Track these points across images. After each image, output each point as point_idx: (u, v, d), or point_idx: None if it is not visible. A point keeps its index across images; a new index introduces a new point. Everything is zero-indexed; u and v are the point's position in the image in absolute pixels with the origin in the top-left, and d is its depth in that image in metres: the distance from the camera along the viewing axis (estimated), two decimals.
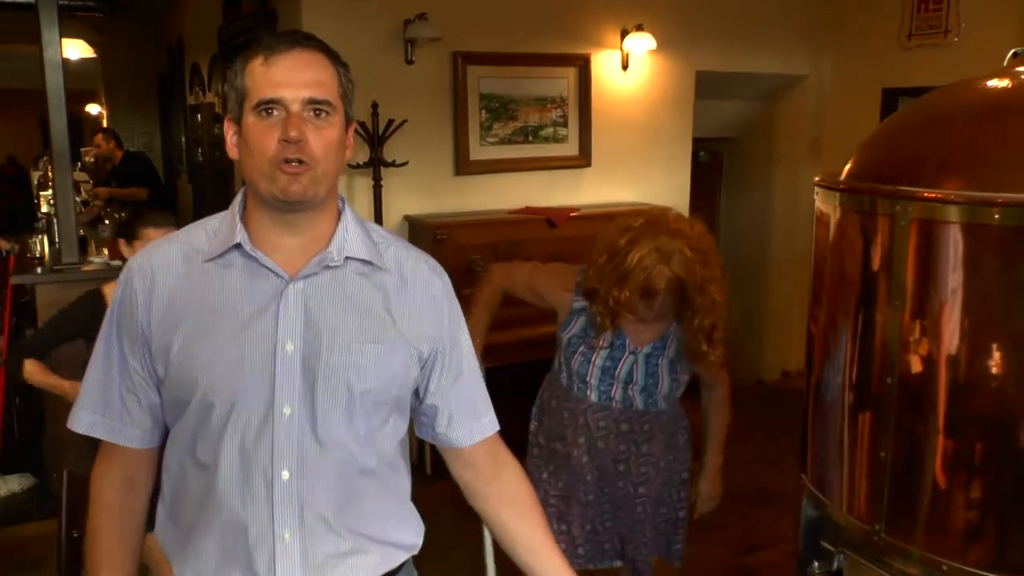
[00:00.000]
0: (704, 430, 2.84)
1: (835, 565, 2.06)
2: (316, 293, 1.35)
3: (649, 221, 2.42)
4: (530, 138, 5.19)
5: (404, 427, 1.47)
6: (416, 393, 1.47)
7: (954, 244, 1.76)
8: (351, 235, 1.41)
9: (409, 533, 1.49)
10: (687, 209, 5.85)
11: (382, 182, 4.60)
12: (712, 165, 7.07)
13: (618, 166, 5.51)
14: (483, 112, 5.02)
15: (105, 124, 10.71)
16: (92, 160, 8.98)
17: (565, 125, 5.29)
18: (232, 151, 1.39)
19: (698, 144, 6.24)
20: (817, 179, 2.15)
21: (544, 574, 1.53)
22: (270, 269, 1.35)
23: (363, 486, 1.37)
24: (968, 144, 1.90)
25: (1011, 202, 1.68)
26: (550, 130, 5.25)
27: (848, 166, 2.07)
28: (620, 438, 2.63)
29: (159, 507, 1.49)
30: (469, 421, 1.49)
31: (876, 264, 1.91)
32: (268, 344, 1.31)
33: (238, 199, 1.44)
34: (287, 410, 1.31)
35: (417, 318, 1.41)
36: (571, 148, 5.32)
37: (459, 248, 4.62)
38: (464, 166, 4.93)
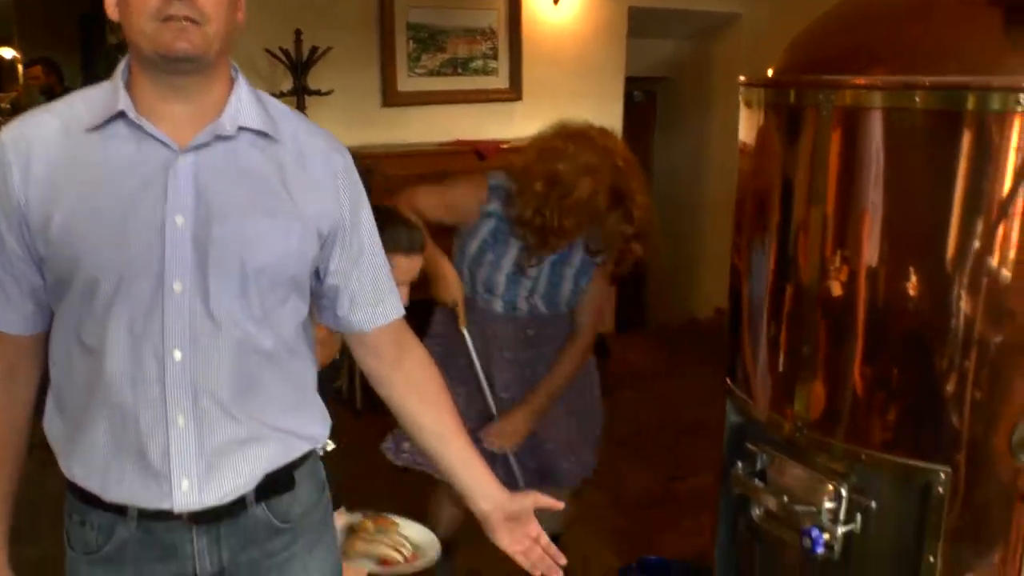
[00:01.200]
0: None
1: (758, 465, 2.06)
2: (208, 165, 1.26)
3: (578, 143, 2.47)
4: (459, 70, 5.09)
5: (304, 310, 1.40)
6: (317, 274, 1.39)
7: (877, 131, 1.74)
8: (245, 104, 1.33)
9: (312, 424, 1.43)
10: None
11: (306, 111, 4.46)
12: (646, 105, 7.03)
13: (549, 100, 5.43)
14: (411, 43, 4.89)
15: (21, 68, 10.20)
16: (9, 106, 8.54)
17: (495, 58, 5.20)
18: (111, 10, 1.29)
19: (632, 83, 6.20)
20: (743, 78, 2.12)
21: (453, 462, 1.49)
22: (157, 139, 1.26)
23: (260, 369, 1.31)
24: (892, 38, 1.88)
25: (936, 85, 1.66)
26: (480, 62, 5.15)
27: (772, 69, 2.04)
28: (526, 343, 2.60)
29: (47, 400, 1.40)
30: (372, 304, 1.43)
31: (800, 158, 1.89)
32: (156, 217, 1.23)
33: (121, 66, 1.33)
34: (178, 286, 1.23)
35: (315, 194, 1.34)
36: (501, 81, 5.23)
37: (387, 179, 4.52)
38: (392, 97, 4.82)
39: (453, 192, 2.62)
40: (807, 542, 1.83)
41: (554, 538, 2.48)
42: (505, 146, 4.91)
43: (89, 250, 1.22)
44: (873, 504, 1.83)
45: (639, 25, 5.77)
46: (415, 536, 2.16)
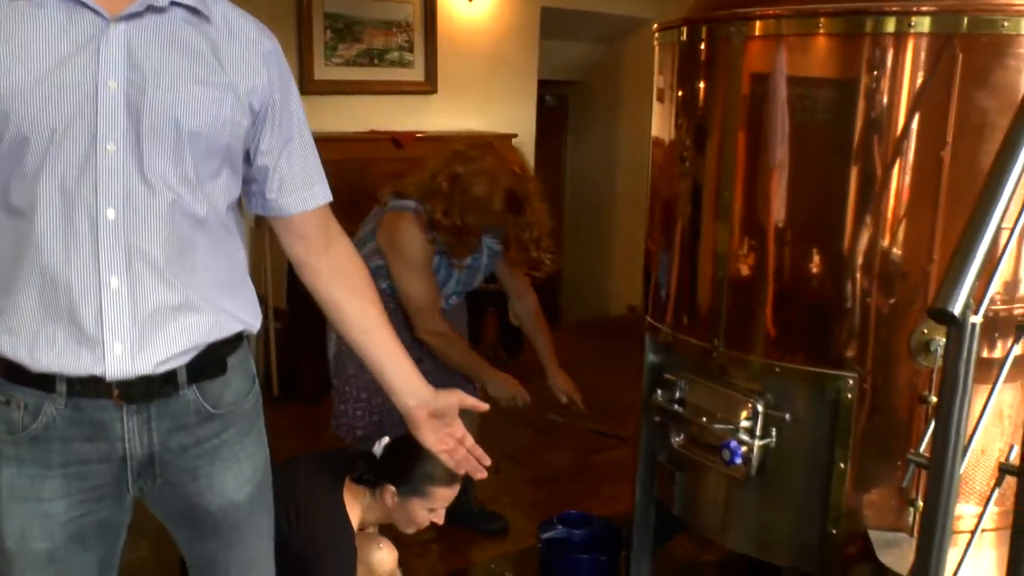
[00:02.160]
0: (531, 340, 3.01)
1: (677, 394, 2.13)
2: (140, 35, 1.27)
3: (479, 149, 2.65)
4: (376, 61, 5.11)
5: (237, 190, 1.41)
6: (247, 158, 1.40)
7: (785, 58, 1.84)
8: None
9: (246, 308, 1.43)
10: (533, 141, 5.93)
11: None
12: (558, 109, 7.17)
13: (464, 95, 5.50)
14: (328, 32, 4.90)
15: None
16: None
17: (411, 50, 5.24)
18: None
19: (545, 87, 6.32)
20: (656, 25, 2.21)
21: (379, 356, 1.50)
22: (89, 6, 1.25)
23: (194, 235, 1.30)
24: None
25: (836, 12, 1.77)
26: (396, 54, 5.18)
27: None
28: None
29: None
30: (301, 188, 1.44)
31: (716, 91, 1.98)
32: (88, 80, 1.23)
33: None
34: (111, 147, 1.23)
35: (245, 69, 1.35)
36: (417, 74, 5.27)
37: None
38: (308, 85, 4.80)
39: (408, 256, 2.64)
40: (726, 454, 1.90)
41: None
42: (421, 135, 4.95)
43: (20, 107, 1.20)
44: (787, 417, 1.92)
45: (552, 26, 5.90)
46: None
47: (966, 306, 1.15)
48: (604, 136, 6.92)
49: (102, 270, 1.24)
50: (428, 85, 5.32)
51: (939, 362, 1.76)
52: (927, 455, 1.26)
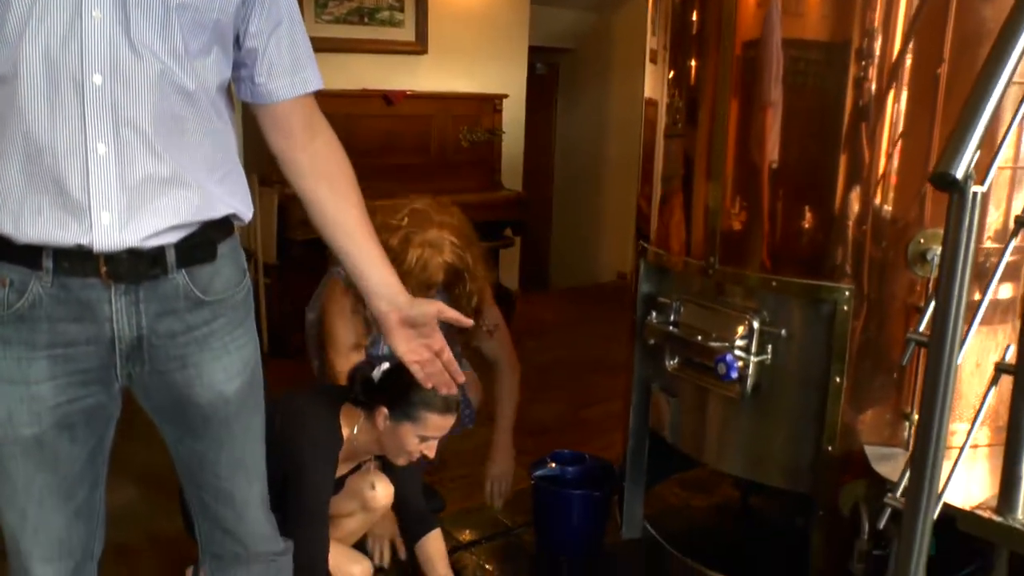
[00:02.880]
0: (495, 404, 2.81)
1: (671, 316, 2.12)
2: None
3: (413, 218, 2.46)
4: (366, 19, 5.07)
5: (227, 72, 1.38)
6: (237, 41, 1.37)
7: None
8: None
9: (236, 195, 1.40)
10: (523, 104, 5.90)
11: None
12: (548, 77, 7.14)
13: (455, 56, 5.47)
14: None
15: None
16: None
17: (401, 10, 5.20)
18: None
19: (536, 54, 6.29)
20: None
21: (358, 258, 1.48)
22: None
23: (183, 111, 1.28)
24: None
25: None
26: (386, 13, 5.15)
27: None
28: None
29: None
30: (290, 73, 1.41)
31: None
32: None
33: None
34: (97, 13, 1.20)
35: None
36: (407, 34, 5.24)
37: None
38: None
39: (334, 317, 2.57)
40: (721, 368, 1.89)
41: None
42: (411, 94, 4.91)
43: None
44: (783, 332, 1.91)
45: None
46: None
47: (968, 173, 1.13)
48: (594, 104, 6.90)
49: (88, 136, 1.21)
50: (418, 45, 5.29)
51: (935, 272, 1.75)
52: (927, 333, 1.24)
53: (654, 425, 2.31)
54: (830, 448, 1.89)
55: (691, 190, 2.05)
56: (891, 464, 1.81)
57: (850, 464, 1.89)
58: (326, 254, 2.21)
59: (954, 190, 1.13)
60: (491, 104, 5.30)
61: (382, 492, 2.31)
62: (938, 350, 1.20)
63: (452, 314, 1.57)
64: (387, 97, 4.82)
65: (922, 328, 1.45)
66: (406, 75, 5.24)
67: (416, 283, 2.34)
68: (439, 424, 2.14)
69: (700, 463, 2.85)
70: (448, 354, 1.55)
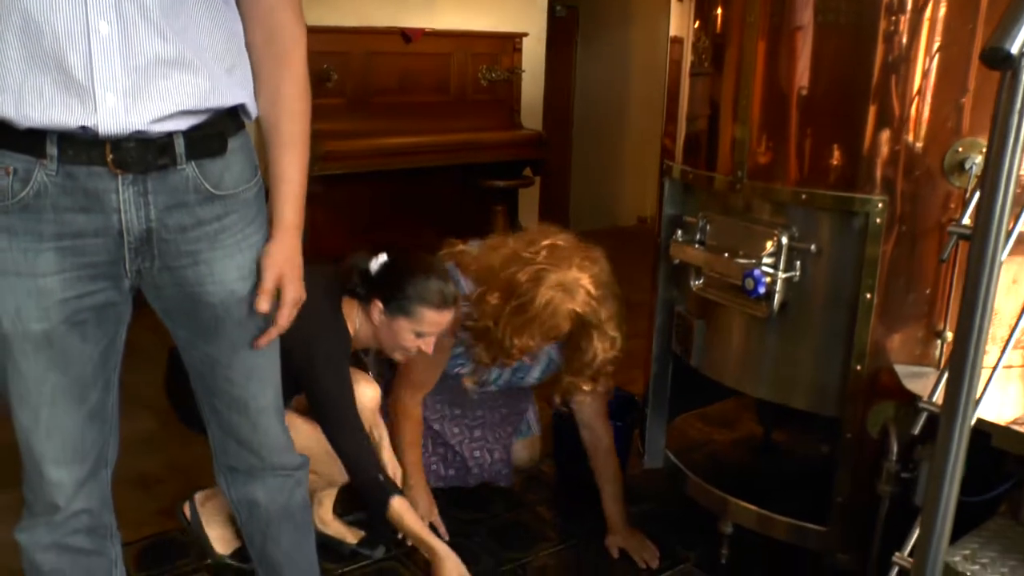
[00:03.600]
0: (596, 480, 2.42)
1: (697, 235, 2.06)
2: None
3: (551, 255, 2.09)
4: None
5: None
6: None
7: None
8: None
9: (244, 87, 1.35)
10: (543, 44, 5.79)
11: None
12: (568, 20, 7.01)
13: None
14: None
15: None
16: None
17: None
18: None
19: None
20: None
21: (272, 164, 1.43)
22: None
23: None
24: None
25: None
26: None
27: None
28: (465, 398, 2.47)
29: None
30: None
31: None
32: None
33: None
34: None
35: None
36: None
37: (311, 56, 4.39)
38: None
39: (433, 356, 2.24)
40: (749, 283, 1.84)
41: None
42: (429, 31, 4.82)
43: None
44: (812, 248, 1.85)
45: None
46: None
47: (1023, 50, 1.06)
48: (615, 46, 6.77)
49: (90, 15, 1.16)
50: None
51: (973, 182, 1.68)
52: (970, 224, 1.18)
53: (678, 350, 2.26)
54: (859, 368, 1.84)
55: (719, 104, 1.98)
56: (922, 383, 1.76)
57: (879, 385, 1.85)
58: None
59: (1007, 67, 1.06)
60: (511, 43, 5.20)
61: (370, 393, 2.16)
62: (982, 242, 1.14)
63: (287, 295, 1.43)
64: (405, 34, 4.73)
65: (965, 219, 1.39)
66: (424, 13, 5.14)
67: (541, 330, 2.07)
68: (435, 320, 2.05)
69: (722, 396, 2.84)
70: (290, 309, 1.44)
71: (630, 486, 2.62)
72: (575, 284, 2.03)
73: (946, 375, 1.25)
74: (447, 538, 2.17)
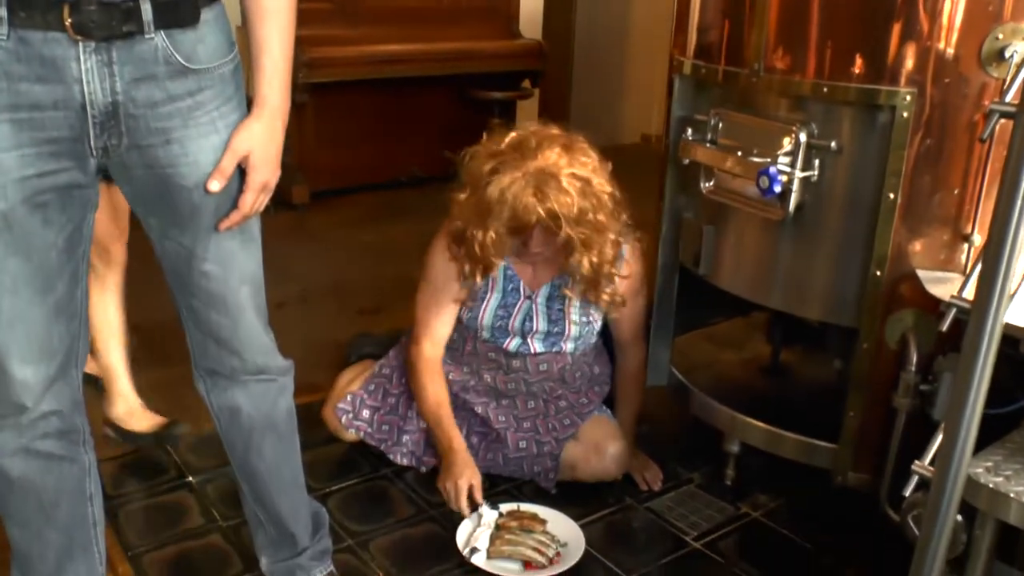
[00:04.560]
0: (615, 402, 2.39)
1: (708, 135, 2.00)
2: None
3: (516, 145, 2.00)
4: None
5: None
6: None
7: None
8: None
9: None
10: None
11: None
12: None
13: None
14: None
15: None
16: None
17: None
18: None
19: None
20: None
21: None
22: None
23: None
24: None
25: None
26: None
27: None
28: (509, 375, 2.29)
29: None
30: None
31: None
32: None
33: None
34: None
35: None
36: None
37: None
38: None
39: (434, 281, 2.22)
40: (764, 182, 1.79)
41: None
42: None
43: None
44: (833, 145, 1.79)
45: None
46: (561, 532, 2.06)
47: None
48: None
49: None
50: None
51: (1012, 71, 1.62)
52: (1014, 103, 1.13)
53: (685, 259, 2.22)
54: (879, 274, 1.79)
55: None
56: (946, 289, 1.72)
57: (899, 292, 1.81)
58: None
59: None
60: None
61: None
62: None
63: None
64: None
65: (1008, 98, 1.33)
66: None
67: (501, 221, 1.96)
68: None
69: (728, 313, 2.81)
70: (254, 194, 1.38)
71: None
72: (539, 174, 1.93)
73: (978, 268, 1.21)
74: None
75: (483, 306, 2.21)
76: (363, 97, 4.65)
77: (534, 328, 2.21)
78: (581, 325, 2.22)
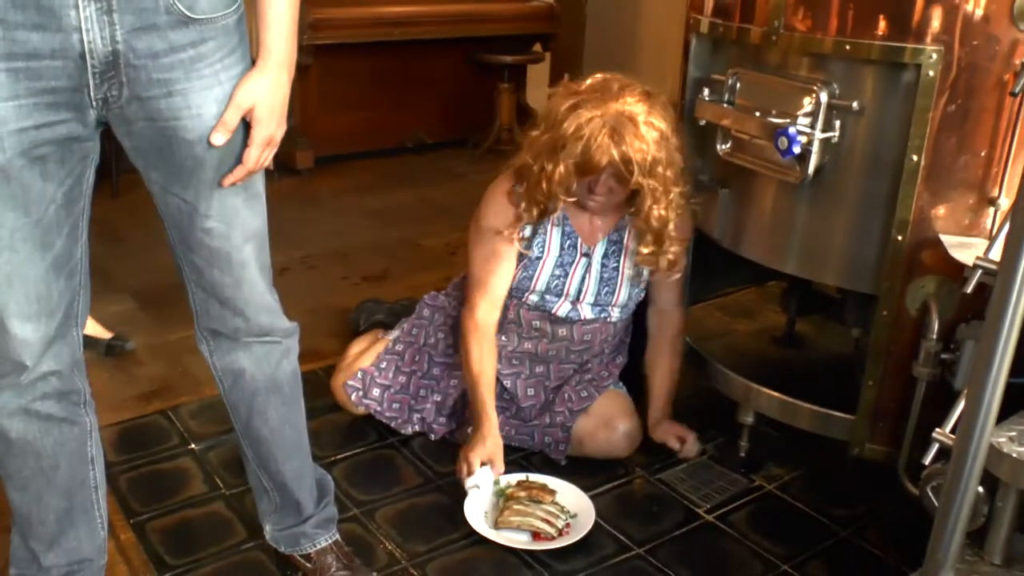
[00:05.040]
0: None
1: (726, 95, 1.98)
2: None
3: (597, 86, 2.01)
4: None
5: None
6: None
7: None
8: None
9: None
10: None
11: None
12: None
13: None
14: None
15: None
16: None
17: None
18: None
19: None
20: None
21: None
22: None
23: None
24: None
25: None
26: None
27: None
28: (554, 344, 2.27)
29: None
30: None
31: None
32: None
33: None
34: None
35: None
36: None
37: None
38: None
39: (487, 227, 2.16)
40: (782, 142, 1.77)
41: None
42: None
43: None
44: (855, 105, 1.77)
45: None
46: (570, 503, 2.05)
47: None
48: None
49: None
50: None
51: None
52: None
53: (700, 224, 2.20)
54: (900, 238, 1.78)
55: None
56: (971, 254, 1.69)
57: (921, 257, 1.79)
58: None
59: None
60: None
61: None
62: None
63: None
64: None
65: None
66: None
67: (571, 157, 1.95)
68: None
69: (741, 282, 2.80)
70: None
71: (643, 374, 2.60)
72: (616, 118, 1.93)
73: (1005, 229, 1.20)
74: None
75: (539, 266, 2.18)
76: (369, 60, 4.62)
77: (585, 292, 2.20)
78: (631, 287, 2.22)
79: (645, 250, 2.10)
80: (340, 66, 4.50)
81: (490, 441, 2.12)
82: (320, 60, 4.33)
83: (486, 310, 2.19)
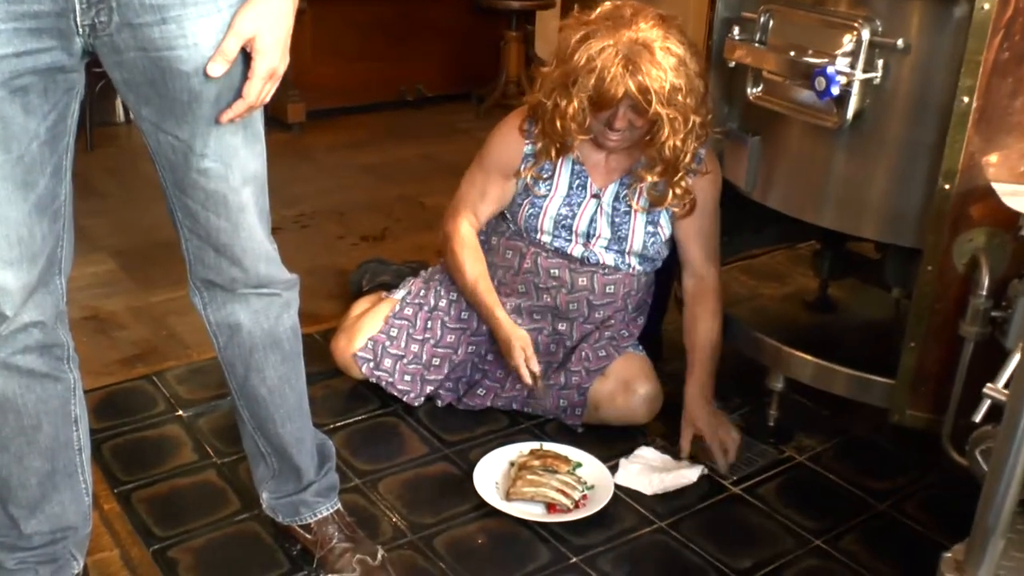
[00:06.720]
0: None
1: (757, 35, 1.96)
2: None
3: (608, 14, 2.03)
4: None
5: None
6: None
7: None
8: None
9: None
10: None
11: None
12: None
13: None
14: None
15: None
16: None
17: None
18: None
19: None
20: None
21: None
22: None
23: None
24: None
25: None
26: None
27: None
28: (574, 294, 2.27)
29: None
30: None
31: None
32: None
33: None
34: None
35: None
36: None
37: None
38: None
39: (490, 156, 2.27)
40: (820, 83, 1.76)
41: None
42: None
43: None
44: (900, 43, 1.75)
45: None
46: (587, 473, 2.05)
47: None
48: None
49: None
50: None
51: None
52: None
53: (727, 176, 2.19)
54: (947, 187, 1.76)
55: None
56: None
57: (970, 208, 1.77)
58: None
59: None
60: None
61: None
62: None
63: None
64: None
65: None
66: None
67: (585, 91, 1.98)
68: None
69: (769, 242, 2.79)
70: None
71: (666, 340, 2.60)
72: (631, 47, 1.95)
73: None
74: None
75: (546, 202, 2.21)
76: (366, 6, 4.59)
77: (597, 232, 2.21)
78: (646, 235, 2.22)
79: (652, 179, 2.12)
80: (336, 12, 4.47)
81: (515, 339, 2.19)
82: (314, 5, 4.30)
83: (469, 222, 2.30)
